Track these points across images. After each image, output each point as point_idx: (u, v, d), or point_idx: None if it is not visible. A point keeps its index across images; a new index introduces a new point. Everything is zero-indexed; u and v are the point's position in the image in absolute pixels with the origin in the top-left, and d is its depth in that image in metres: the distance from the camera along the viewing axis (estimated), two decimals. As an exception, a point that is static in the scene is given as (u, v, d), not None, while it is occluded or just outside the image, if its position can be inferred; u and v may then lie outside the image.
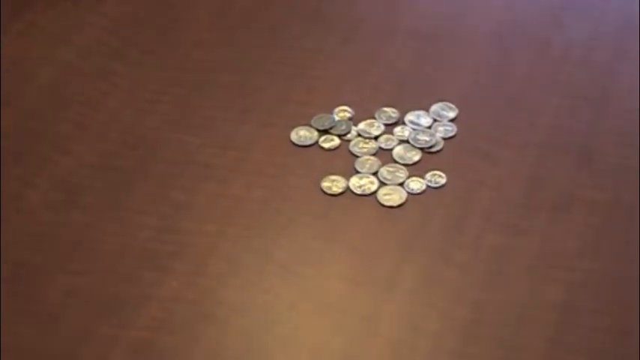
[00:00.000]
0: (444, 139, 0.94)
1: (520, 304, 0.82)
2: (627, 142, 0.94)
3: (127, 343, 0.79)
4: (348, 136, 0.95)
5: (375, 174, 0.91)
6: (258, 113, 0.97)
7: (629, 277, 0.83)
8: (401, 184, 0.90)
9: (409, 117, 0.96)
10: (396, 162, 0.92)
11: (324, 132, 0.95)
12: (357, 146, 0.94)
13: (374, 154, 0.93)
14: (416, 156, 0.93)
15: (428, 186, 0.90)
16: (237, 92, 0.99)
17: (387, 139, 0.94)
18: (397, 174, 0.91)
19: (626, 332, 0.80)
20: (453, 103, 0.97)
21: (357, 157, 0.93)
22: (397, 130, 0.95)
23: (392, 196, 0.89)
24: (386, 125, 0.95)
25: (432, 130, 0.95)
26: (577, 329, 0.80)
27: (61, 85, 1.00)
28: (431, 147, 0.94)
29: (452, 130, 0.95)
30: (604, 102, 0.97)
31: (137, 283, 0.83)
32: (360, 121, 0.96)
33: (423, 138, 0.94)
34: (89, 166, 0.92)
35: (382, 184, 0.90)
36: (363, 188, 0.90)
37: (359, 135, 0.95)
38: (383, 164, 0.92)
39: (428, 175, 0.91)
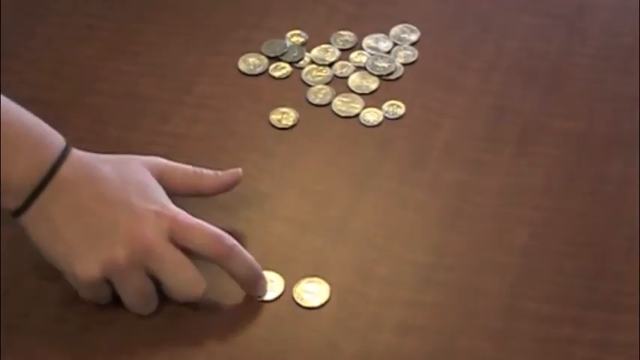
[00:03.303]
0: (404, 64, 0.87)
1: (480, 247, 0.76)
2: (603, 66, 0.87)
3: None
4: (301, 63, 0.88)
5: (328, 105, 0.85)
6: (205, 39, 0.90)
7: (600, 216, 0.77)
8: (356, 116, 0.84)
9: (367, 41, 0.89)
10: (351, 91, 0.86)
11: (274, 59, 0.88)
12: (310, 74, 0.87)
13: (328, 83, 0.86)
14: (373, 84, 0.86)
15: (385, 117, 0.84)
16: (182, 15, 0.92)
17: (343, 66, 0.87)
18: (352, 105, 0.85)
19: (595, 276, 0.74)
20: (415, 25, 0.90)
21: (310, 86, 0.86)
22: (354, 55, 0.88)
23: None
24: (342, 50, 0.88)
25: (391, 56, 0.88)
26: (541, 274, 0.74)
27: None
28: (390, 74, 0.87)
29: (413, 55, 0.88)
30: (579, 20, 0.90)
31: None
32: (314, 46, 0.89)
33: (382, 64, 0.87)
34: (18, 99, 0.85)
35: (336, 116, 0.84)
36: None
37: (312, 62, 0.88)
38: (337, 94, 0.85)
39: (385, 106, 0.84)
